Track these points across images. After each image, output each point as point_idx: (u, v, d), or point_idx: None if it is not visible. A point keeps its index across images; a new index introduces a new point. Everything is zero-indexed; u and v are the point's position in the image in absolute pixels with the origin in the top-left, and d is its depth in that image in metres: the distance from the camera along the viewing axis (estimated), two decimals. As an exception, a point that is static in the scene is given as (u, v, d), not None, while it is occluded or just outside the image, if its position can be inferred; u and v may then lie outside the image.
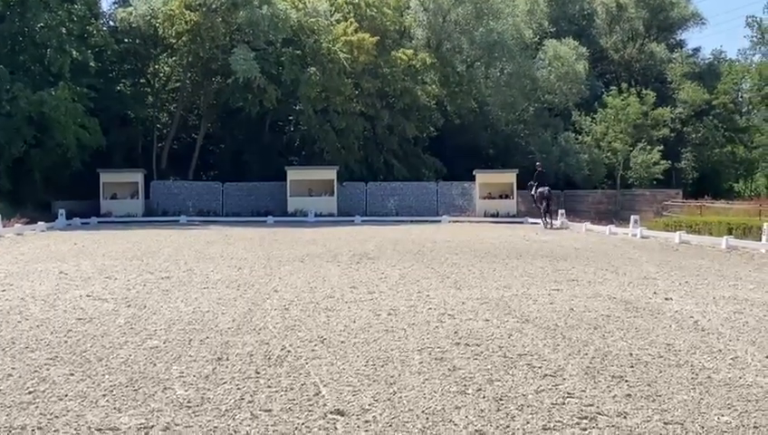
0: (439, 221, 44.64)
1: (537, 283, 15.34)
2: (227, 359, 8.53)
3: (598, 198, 52.30)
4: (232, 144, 56.15)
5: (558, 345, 9.34)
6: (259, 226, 40.18)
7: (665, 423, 6.41)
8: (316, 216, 45.82)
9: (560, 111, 58.82)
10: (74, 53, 45.91)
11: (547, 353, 8.88)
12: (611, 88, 57.10)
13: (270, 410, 6.63)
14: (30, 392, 7.14)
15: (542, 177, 41.45)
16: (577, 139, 55.31)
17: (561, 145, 54.34)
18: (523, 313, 11.65)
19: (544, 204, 39.80)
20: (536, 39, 58.82)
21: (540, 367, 8.19)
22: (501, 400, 6.96)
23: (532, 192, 41.63)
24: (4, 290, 14.08)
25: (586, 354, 8.85)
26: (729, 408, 6.84)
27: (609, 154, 54.00)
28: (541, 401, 6.93)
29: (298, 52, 49.27)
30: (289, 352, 8.90)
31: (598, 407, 6.80)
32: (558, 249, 24.25)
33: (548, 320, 11.03)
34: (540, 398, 7.04)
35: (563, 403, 6.88)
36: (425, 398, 7.00)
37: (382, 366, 8.18)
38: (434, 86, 55.17)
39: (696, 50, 72.00)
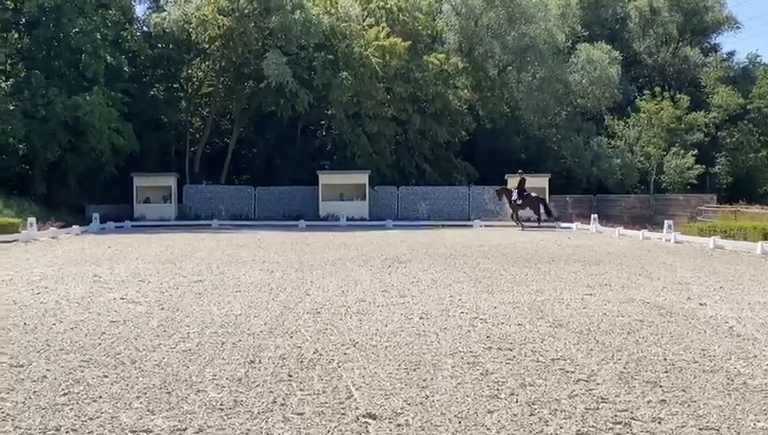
0: (471, 225, 44.51)
1: (570, 287, 15.25)
2: (260, 362, 8.53)
3: (631, 202, 51.98)
4: (264, 148, 56.36)
5: (591, 350, 9.27)
6: (291, 230, 40.26)
7: (700, 429, 6.34)
8: (348, 220, 45.88)
9: (592, 115, 58.59)
10: (109, 58, 46.33)
11: (580, 358, 8.81)
12: (645, 92, 56.84)
13: (302, 414, 6.63)
14: (65, 394, 7.18)
15: (523, 184, 43.33)
16: (610, 143, 55.05)
17: (593, 149, 54.11)
18: (555, 317, 11.58)
19: (541, 207, 42.88)
20: (569, 43, 58.62)
21: (573, 372, 8.13)
22: (534, 404, 6.92)
23: (513, 198, 43.29)
24: (39, 293, 14.18)
25: (620, 359, 8.78)
26: (765, 414, 6.76)
27: (642, 159, 53.70)
28: (574, 406, 6.88)
29: (330, 56, 49.37)
30: (321, 355, 8.89)
31: (632, 412, 6.74)
32: (591, 254, 24.11)
33: (581, 324, 10.96)
34: (573, 403, 6.99)
35: (597, 408, 6.83)
36: (457, 402, 6.97)
37: (414, 370, 8.16)
38: (466, 90, 55.09)
39: (731, 54, 71.59)
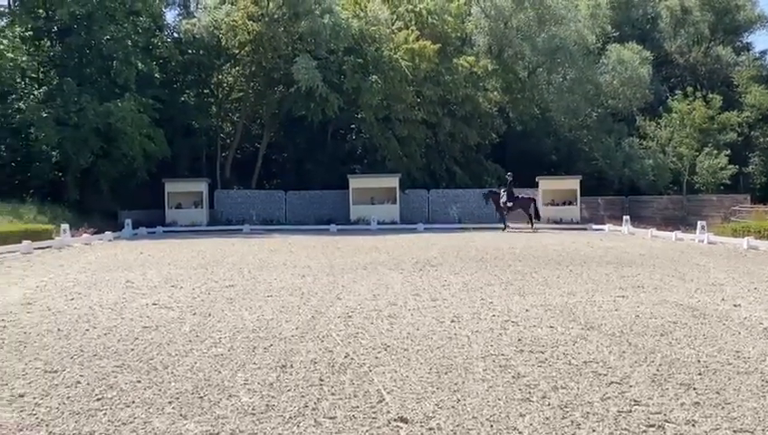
0: (502, 228, 44.40)
1: (602, 289, 15.17)
2: (291, 366, 8.55)
3: (663, 203, 51.63)
4: (294, 153, 56.53)
5: (624, 352, 9.22)
6: (322, 234, 40.34)
7: (734, 431, 6.29)
8: (379, 223, 45.87)
9: (623, 116, 58.28)
10: (140, 64, 46.68)
11: (613, 361, 8.77)
12: (676, 92, 56.48)
13: (334, 418, 6.64)
14: (98, 399, 7.23)
15: (511, 186, 43.96)
16: (641, 144, 54.73)
17: (625, 150, 53.81)
18: (587, 319, 11.52)
19: (532, 206, 43.62)
20: (599, 44, 58.36)
21: (606, 374, 8.09)
22: (566, 407, 6.89)
23: (503, 200, 43.76)
24: (72, 299, 14.30)
25: (653, 362, 8.72)
26: (801, 416, 6.70)
27: (674, 159, 53.34)
28: (607, 409, 6.84)
29: (359, 60, 49.45)
30: (352, 359, 8.90)
31: (665, 415, 6.70)
32: (623, 255, 23.97)
33: (613, 327, 10.90)
34: (606, 405, 6.95)
35: (630, 411, 6.79)
36: (489, 405, 6.96)
37: (446, 373, 8.15)
38: (496, 93, 55.01)
39: (764, 53, 70.82)
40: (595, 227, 43.68)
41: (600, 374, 8.10)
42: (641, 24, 66.77)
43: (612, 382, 7.76)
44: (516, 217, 44.48)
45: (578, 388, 7.54)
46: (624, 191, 52.82)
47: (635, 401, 7.10)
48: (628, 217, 41.78)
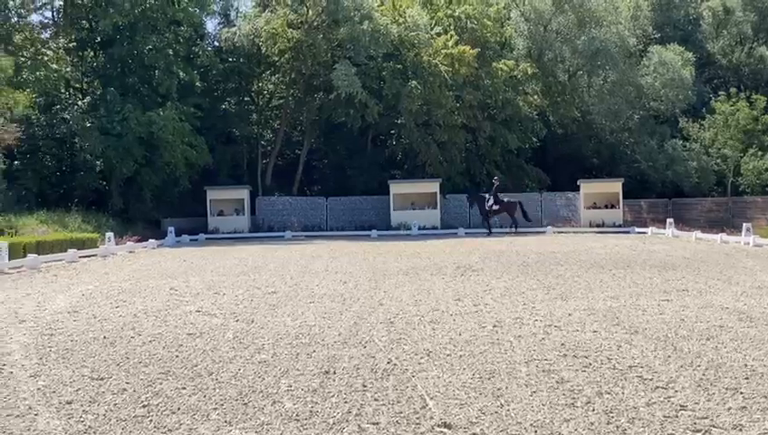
0: (544, 232, 44.18)
1: (646, 293, 15.06)
2: (334, 372, 8.58)
3: (707, 205, 51.05)
4: (335, 159, 56.69)
5: (669, 357, 9.15)
6: (363, 240, 40.39)
7: (783, 436, 6.22)
8: (419, 229, 45.86)
9: (666, 118, 57.68)
10: (181, 73, 47.10)
11: (658, 365, 8.70)
12: (719, 93, 55.76)
13: (377, 423, 6.64)
14: (144, 406, 7.30)
15: (498, 190, 44.69)
16: (685, 146, 54.13)
17: (668, 153, 53.26)
18: (631, 324, 11.44)
19: (519, 210, 44.09)
20: (640, 46, 57.87)
21: (651, 379, 8.03)
22: (611, 412, 6.85)
23: (489, 204, 44.49)
24: (117, 307, 14.44)
25: (698, 366, 8.65)
26: None
27: (718, 161, 52.71)
28: (652, 414, 6.79)
29: (399, 66, 49.54)
30: (395, 365, 8.91)
31: (712, 419, 6.63)
32: (667, 259, 23.77)
33: (658, 331, 10.82)
34: (651, 410, 6.90)
35: (676, 416, 6.74)
36: (533, 411, 6.93)
37: (489, 379, 8.13)
38: (536, 96, 54.75)
39: (808, 53, 69.81)
40: (638, 230, 43.37)
41: (645, 379, 8.04)
42: (683, 25, 66.05)
43: (658, 387, 7.70)
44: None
45: (623, 393, 7.50)
46: (667, 194, 52.31)
47: (681, 405, 7.05)
48: (671, 219, 41.46)
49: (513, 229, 43.85)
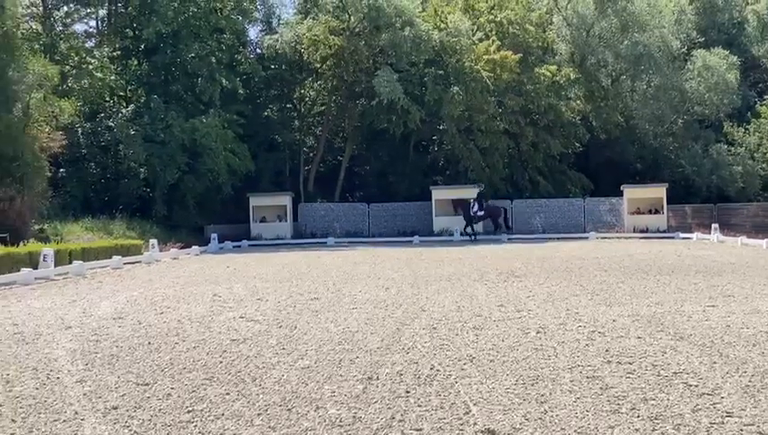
0: (587, 238, 43.96)
1: (691, 299, 14.91)
2: (377, 378, 8.58)
3: (753, 210, 50.40)
4: (377, 165, 56.81)
5: (715, 363, 9.05)
6: (405, 246, 40.43)
7: (832, 444, 6.14)
8: (462, 234, 45.77)
9: (710, 122, 57.07)
10: (224, 81, 47.47)
11: (703, 371, 8.61)
12: (765, 97, 55.18)
13: (421, 430, 6.64)
14: (189, 411, 7.35)
15: (482, 197, 45.82)
16: (729, 150, 53.55)
17: (712, 157, 52.73)
18: (676, 330, 11.33)
19: (503, 216, 45.09)
20: (684, 49, 57.33)
21: (696, 385, 7.95)
22: (656, 419, 6.79)
23: (474, 209, 45.21)
24: (162, 313, 14.56)
25: (745, 372, 8.55)
26: None
27: (764, 165, 52.12)
28: (698, 421, 6.72)
29: (440, 72, 49.56)
30: (438, 371, 8.89)
31: (758, 426, 6.56)
32: (712, 264, 23.54)
33: (703, 337, 10.70)
34: (697, 417, 6.83)
35: (722, 423, 6.66)
36: (577, 417, 6.89)
37: (532, 385, 8.09)
38: (578, 101, 54.47)
39: None
40: (682, 235, 43.02)
41: (690, 385, 7.96)
42: (727, 28, 65.30)
43: (703, 394, 7.62)
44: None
45: (668, 399, 7.43)
46: (712, 199, 51.78)
47: (727, 412, 6.97)
48: (716, 224, 41.03)
49: (499, 235, 44.69)
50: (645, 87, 56.34)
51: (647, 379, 8.28)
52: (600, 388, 7.90)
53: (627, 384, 8.04)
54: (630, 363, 9.08)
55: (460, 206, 46.18)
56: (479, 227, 46.26)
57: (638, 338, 10.73)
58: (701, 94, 54.69)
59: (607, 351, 9.87)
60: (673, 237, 43.00)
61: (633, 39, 53.17)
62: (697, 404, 7.23)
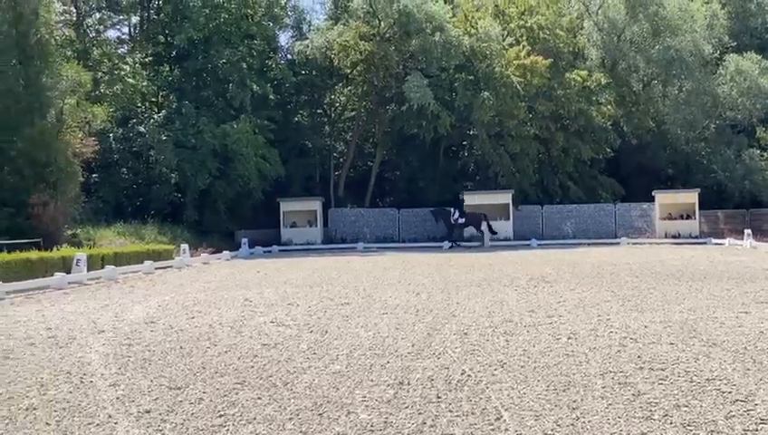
0: (618, 243, 43.75)
1: (723, 305, 14.80)
2: (408, 383, 8.58)
3: (787, 216, 50.04)
4: (407, 170, 56.83)
5: (748, 370, 8.98)
6: (435, 251, 40.36)
7: None
8: (492, 240, 45.69)
9: (743, 127, 56.60)
10: (254, 86, 47.71)
11: (737, 378, 8.55)
12: (798, 102, 54.67)
13: (452, 435, 6.64)
14: (221, 416, 7.39)
15: (461, 205, 46.69)
16: (762, 155, 53.10)
17: (745, 163, 52.31)
18: (709, 336, 11.25)
19: (484, 223, 45.29)
20: (716, 54, 56.91)
21: (730, 392, 7.89)
22: (689, 426, 6.75)
23: (455, 217, 46.08)
24: (193, 317, 14.63)
25: (779, 379, 8.49)
26: None
27: (798, 171, 51.65)
28: (732, 428, 6.68)
29: (471, 77, 49.50)
30: (469, 376, 8.88)
31: (794, 434, 6.51)
32: (745, 270, 23.34)
33: (736, 343, 10.62)
34: (731, 424, 6.79)
35: (756, 430, 6.62)
36: (609, 423, 6.86)
37: (564, 391, 8.07)
38: (609, 106, 54.19)
39: None
40: (715, 241, 42.72)
41: (723, 392, 7.91)
42: (760, 33, 64.74)
43: (737, 400, 7.56)
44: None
45: (701, 406, 7.38)
46: (745, 204, 51.35)
47: (761, 419, 6.92)
48: (749, 230, 40.66)
49: (481, 244, 44.87)
50: (677, 92, 55.97)
51: (679, 385, 8.23)
52: (633, 394, 7.86)
53: (659, 391, 8.00)
54: (663, 370, 9.03)
55: (441, 215, 46.52)
56: (461, 234, 47.16)
57: (671, 344, 10.67)
58: (733, 99, 54.27)
59: (639, 357, 9.82)
60: (705, 243, 42.72)
61: (665, 43, 52.85)
62: (731, 411, 7.19)
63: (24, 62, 33.31)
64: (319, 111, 57.36)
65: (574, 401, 7.62)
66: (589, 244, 44.08)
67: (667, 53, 52.41)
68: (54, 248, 27.65)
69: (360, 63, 50.79)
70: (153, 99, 50.77)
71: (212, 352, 10.86)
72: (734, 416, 7.02)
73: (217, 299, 17.79)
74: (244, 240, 42.08)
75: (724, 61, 55.57)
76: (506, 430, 6.75)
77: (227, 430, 6.94)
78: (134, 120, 46.68)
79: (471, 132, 51.62)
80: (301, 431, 6.84)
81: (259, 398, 8.06)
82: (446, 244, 45.24)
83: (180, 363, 10.06)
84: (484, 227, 45.44)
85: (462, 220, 45.77)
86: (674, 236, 46.03)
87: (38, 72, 33.36)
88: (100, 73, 45.05)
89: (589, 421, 6.93)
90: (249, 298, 17.78)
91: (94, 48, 48.03)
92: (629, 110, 55.00)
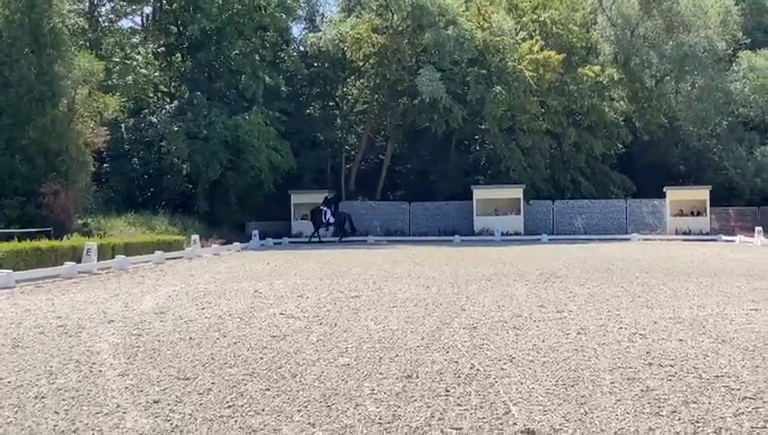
0: (628, 239, 43.68)
1: (733, 302, 14.75)
2: (417, 377, 8.57)
3: (799, 214, 49.86)
4: (418, 164, 56.77)
5: (758, 367, 8.95)
6: (446, 245, 40.37)
7: None
8: (502, 235, 45.68)
9: (755, 124, 56.40)
10: (267, 78, 47.70)
11: (746, 375, 8.52)
12: (812, 100, 54.42)
13: (460, 429, 6.63)
14: (229, 407, 7.39)
15: (329, 202, 47.87)
16: (774, 153, 52.95)
17: (757, 160, 52.13)
18: (718, 333, 11.22)
19: (348, 223, 46.97)
20: (729, 51, 56.68)
21: (738, 389, 7.87)
22: (697, 422, 6.73)
23: (327, 217, 47.47)
24: (203, 308, 14.65)
25: (788, 377, 8.46)
26: None
27: (811, 168, 51.44)
28: (740, 425, 6.66)
29: (483, 71, 49.42)
30: (478, 370, 8.87)
31: (802, 432, 6.49)
32: (755, 267, 23.28)
33: (746, 340, 10.58)
34: (739, 421, 6.77)
35: (765, 427, 6.59)
36: (617, 419, 6.85)
37: (572, 386, 8.05)
38: (622, 102, 54.09)
39: None
40: (725, 238, 42.62)
41: (732, 389, 7.88)
42: (774, 30, 64.57)
43: (746, 398, 7.54)
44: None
45: (709, 403, 7.36)
46: (756, 202, 51.17)
47: (770, 417, 6.90)
48: (760, 228, 40.53)
49: (339, 238, 46.63)
50: (689, 88, 55.83)
51: (688, 382, 8.21)
52: (641, 390, 7.84)
53: (668, 387, 7.98)
54: (672, 366, 9.01)
55: (314, 214, 47.64)
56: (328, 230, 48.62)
57: (680, 340, 10.64)
58: (746, 96, 54.09)
59: (648, 353, 9.80)
60: (716, 240, 42.62)
61: (678, 40, 52.71)
62: (739, 408, 7.16)
63: (36, 51, 33.38)
64: (331, 103, 57.35)
65: (582, 397, 7.61)
66: (599, 239, 44.01)
67: (681, 49, 52.28)
68: (65, 237, 27.78)
69: (373, 56, 50.75)
70: (165, 89, 50.85)
71: (221, 343, 10.87)
72: (742, 413, 7.00)
73: (227, 290, 17.81)
74: (255, 232, 42.14)
75: (738, 57, 55.38)
76: (515, 424, 6.74)
77: (236, 420, 6.94)
78: (146, 111, 46.78)
79: (483, 126, 51.59)
80: (309, 423, 6.84)
81: (267, 389, 8.06)
82: (306, 238, 47.23)
83: (189, 354, 10.07)
84: (346, 225, 47.07)
85: (332, 219, 47.33)
86: (684, 233, 45.94)
87: (51, 62, 33.44)
88: (112, 63, 45.04)
89: (597, 416, 6.92)
90: (259, 290, 17.80)
91: (107, 38, 48.14)
92: (642, 106, 54.88)
